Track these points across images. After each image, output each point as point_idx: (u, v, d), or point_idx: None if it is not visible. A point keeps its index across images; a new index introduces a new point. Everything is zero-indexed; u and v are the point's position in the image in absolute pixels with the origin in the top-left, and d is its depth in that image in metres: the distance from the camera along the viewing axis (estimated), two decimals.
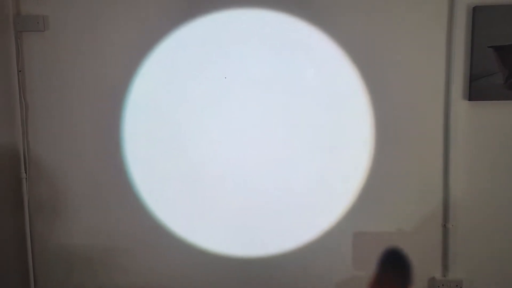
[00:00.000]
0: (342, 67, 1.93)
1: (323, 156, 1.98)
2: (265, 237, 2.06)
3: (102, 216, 2.11)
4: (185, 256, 2.10)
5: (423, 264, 2.00)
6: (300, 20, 1.92)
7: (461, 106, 1.89)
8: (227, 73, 1.98)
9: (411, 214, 1.98)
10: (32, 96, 2.07)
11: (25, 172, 2.08)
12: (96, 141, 2.07)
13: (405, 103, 1.92)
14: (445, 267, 1.97)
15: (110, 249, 2.12)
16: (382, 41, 1.90)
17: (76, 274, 2.15)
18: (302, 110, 1.97)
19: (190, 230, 2.09)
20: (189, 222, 2.09)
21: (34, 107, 2.07)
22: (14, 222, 2.11)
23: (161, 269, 2.12)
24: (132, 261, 2.12)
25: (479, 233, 1.95)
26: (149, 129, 2.04)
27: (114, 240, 2.11)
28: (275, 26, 1.94)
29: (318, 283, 2.06)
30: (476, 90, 1.86)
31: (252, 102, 1.99)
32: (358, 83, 1.93)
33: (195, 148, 2.03)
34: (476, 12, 1.83)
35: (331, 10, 1.90)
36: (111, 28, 2.01)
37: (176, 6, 1.96)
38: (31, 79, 2.06)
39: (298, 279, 2.06)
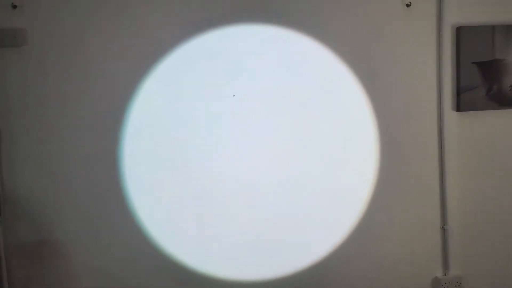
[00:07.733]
0: (345, 81, 2.00)
1: (332, 169, 2.02)
2: (277, 257, 2.02)
3: (100, 257, 1.88)
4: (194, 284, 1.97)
5: (426, 265, 2.12)
6: (306, 36, 1.95)
7: (451, 116, 2.07)
8: (235, 89, 1.92)
9: (412, 218, 2.10)
10: (7, 121, 1.79)
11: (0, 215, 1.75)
12: (88, 172, 1.85)
13: (403, 115, 2.05)
14: (445, 266, 2.13)
15: None
16: (381, 58, 2.01)
17: None
18: (309, 125, 1.99)
19: (198, 256, 1.97)
20: (198, 248, 1.97)
21: (10, 133, 1.79)
22: None
23: None
24: None
25: (474, 233, 2.13)
26: (152, 152, 1.88)
27: (114, 284, 1.88)
28: (281, 42, 1.94)
29: None
30: (463, 102, 2.06)
31: (260, 118, 1.95)
32: (362, 97, 2.02)
33: (202, 169, 1.93)
34: (459, 31, 2.04)
35: (336, 28, 1.96)
36: (102, 42, 1.82)
37: (178, 18, 1.85)
38: (7, 100, 1.78)
39: None
